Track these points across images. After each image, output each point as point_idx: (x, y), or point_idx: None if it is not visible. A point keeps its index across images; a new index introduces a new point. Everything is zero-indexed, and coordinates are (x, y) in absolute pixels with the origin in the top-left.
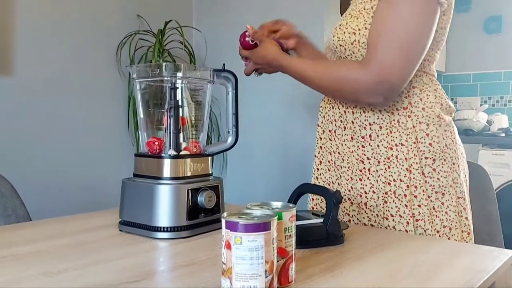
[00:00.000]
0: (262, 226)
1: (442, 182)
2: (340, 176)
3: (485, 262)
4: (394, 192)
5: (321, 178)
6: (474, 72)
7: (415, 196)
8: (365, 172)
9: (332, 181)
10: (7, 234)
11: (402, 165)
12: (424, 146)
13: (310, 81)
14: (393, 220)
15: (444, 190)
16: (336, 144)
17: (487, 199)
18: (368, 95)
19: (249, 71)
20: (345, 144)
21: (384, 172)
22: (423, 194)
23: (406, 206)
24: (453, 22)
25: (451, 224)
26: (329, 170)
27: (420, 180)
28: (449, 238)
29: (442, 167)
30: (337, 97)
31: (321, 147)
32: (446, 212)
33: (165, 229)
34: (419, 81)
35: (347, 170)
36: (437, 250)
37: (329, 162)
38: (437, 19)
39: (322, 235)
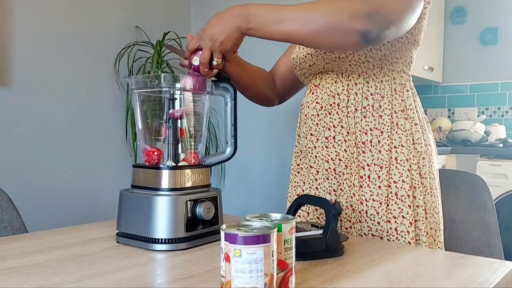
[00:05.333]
0: (261, 239)
1: (431, 183)
2: (342, 183)
3: (486, 274)
4: (396, 194)
5: (320, 188)
6: (471, 83)
7: (414, 197)
8: (365, 179)
9: (334, 189)
10: (2, 247)
11: (404, 166)
12: (421, 147)
13: (291, 18)
14: (396, 222)
15: (431, 192)
16: (336, 151)
17: (485, 210)
18: (365, 19)
19: (205, 57)
20: (348, 150)
21: (386, 176)
22: (420, 195)
23: (409, 206)
24: (450, 34)
25: (436, 226)
26: (327, 178)
27: (418, 181)
28: (434, 240)
29: (431, 168)
30: (323, 33)
31: (316, 156)
32: (432, 215)
33: (163, 241)
34: (410, 85)
35: (350, 177)
36: (436, 261)
37: (326, 170)
38: (422, 3)
39: (321, 247)
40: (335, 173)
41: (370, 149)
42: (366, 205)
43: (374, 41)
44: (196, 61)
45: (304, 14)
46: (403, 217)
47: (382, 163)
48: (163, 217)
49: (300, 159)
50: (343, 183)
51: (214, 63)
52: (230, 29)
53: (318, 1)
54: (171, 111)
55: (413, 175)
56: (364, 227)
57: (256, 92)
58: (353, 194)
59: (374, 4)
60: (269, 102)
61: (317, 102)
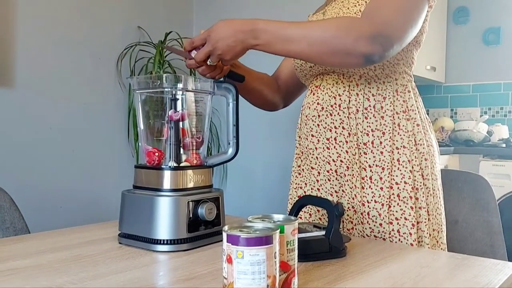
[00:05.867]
0: (264, 240)
1: (433, 184)
2: (344, 184)
3: (490, 276)
4: (398, 195)
5: (322, 189)
6: (474, 83)
7: (417, 199)
8: (366, 180)
9: (335, 190)
10: (5, 247)
11: (406, 167)
12: (423, 148)
13: (297, 39)
14: (398, 223)
15: (434, 193)
16: (338, 152)
17: (489, 210)
18: (369, 42)
19: (199, 57)
20: (350, 151)
21: (388, 177)
22: (423, 196)
23: (412, 208)
24: (452, 34)
25: (439, 228)
26: (329, 180)
27: (420, 182)
28: (437, 242)
29: (434, 169)
30: (327, 54)
31: (317, 157)
32: (435, 216)
33: (165, 242)
34: (411, 86)
35: (352, 178)
36: (439, 263)
37: (328, 171)
38: (426, 7)
39: (324, 248)
40: (337, 174)
41: (371, 151)
42: (368, 206)
43: (376, 62)
44: (194, 54)
45: (311, 35)
46: (405, 218)
47: (384, 165)
48: (165, 218)
49: (301, 160)
50: (345, 185)
51: (209, 62)
52: (235, 43)
53: (325, 21)
54: (170, 113)
55: (415, 176)
56: (366, 228)
57: (261, 96)
58: (355, 195)
59: (378, 24)
60: (274, 106)
61: (318, 103)
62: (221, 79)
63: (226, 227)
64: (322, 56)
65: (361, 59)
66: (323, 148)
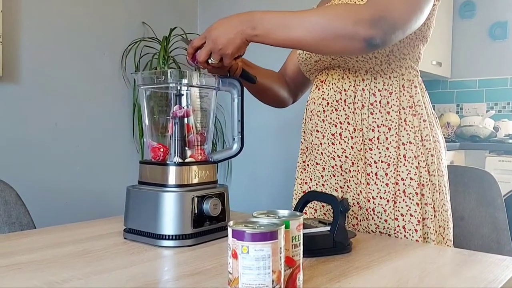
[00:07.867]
0: (269, 235)
1: (439, 181)
2: (349, 180)
3: (496, 271)
4: (404, 191)
5: (327, 184)
6: (480, 78)
7: (423, 195)
8: (372, 176)
9: (340, 186)
10: (11, 242)
11: (412, 163)
12: (429, 144)
13: (296, 25)
14: (403, 219)
15: (440, 189)
16: (343, 148)
17: (495, 206)
18: (369, 26)
19: (201, 56)
20: (355, 147)
21: (394, 173)
22: (429, 193)
23: (417, 204)
24: (458, 28)
25: (445, 224)
26: (334, 175)
27: (426, 179)
28: (443, 238)
29: (440, 165)
30: (328, 39)
31: (322, 153)
32: (441, 212)
33: (170, 237)
34: (418, 81)
35: (357, 174)
36: (445, 259)
37: (333, 167)
38: (431, 3)
39: (329, 244)
40: (342, 170)
41: (377, 146)
42: (373, 202)
43: (379, 46)
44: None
45: (309, 21)
46: (411, 215)
47: (390, 160)
48: (170, 214)
49: (306, 156)
50: (350, 180)
51: (209, 61)
52: (234, 35)
53: (324, 7)
54: (174, 109)
55: (421, 172)
56: (371, 224)
57: (271, 93)
58: (360, 191)
59: (379, 9)
60: (284, 103)
61: (323, 98)
62: (227, 74)
63: (231, 223)
64: (322, 43)
65: (362, 43)
66: (328, 143)
